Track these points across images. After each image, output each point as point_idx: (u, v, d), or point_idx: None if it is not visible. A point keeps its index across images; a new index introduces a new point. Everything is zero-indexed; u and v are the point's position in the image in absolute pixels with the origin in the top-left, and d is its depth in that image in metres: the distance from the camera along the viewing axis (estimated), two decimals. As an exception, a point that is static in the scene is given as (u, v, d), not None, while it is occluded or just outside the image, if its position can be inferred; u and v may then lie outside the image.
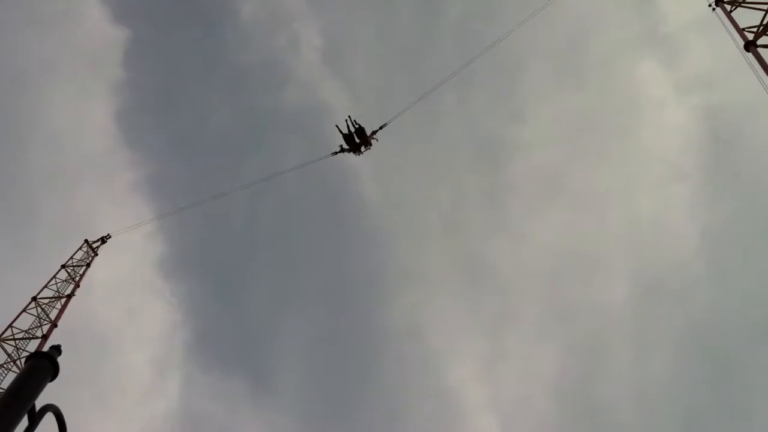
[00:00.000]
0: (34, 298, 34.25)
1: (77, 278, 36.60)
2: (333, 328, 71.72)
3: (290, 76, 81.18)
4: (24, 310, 33.50)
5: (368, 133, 35.24)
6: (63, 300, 34.86)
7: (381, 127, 35.61)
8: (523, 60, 77.06)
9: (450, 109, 74.49)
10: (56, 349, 3.28)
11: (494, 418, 66.64)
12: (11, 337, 31.92)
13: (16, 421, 2.88)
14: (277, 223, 73.94)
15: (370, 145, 35.50)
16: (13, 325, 32.52)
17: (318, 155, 38.78)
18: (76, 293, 35.74)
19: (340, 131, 34.76)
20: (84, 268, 37.54)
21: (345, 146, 35.22)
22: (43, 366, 3.13)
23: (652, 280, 67.25)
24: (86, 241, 39.60)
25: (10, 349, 31.35)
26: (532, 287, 71.79)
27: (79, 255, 38.30)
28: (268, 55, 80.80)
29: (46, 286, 35.19)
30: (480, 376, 69.66)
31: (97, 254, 39.25)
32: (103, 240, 40.46)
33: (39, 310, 33.84)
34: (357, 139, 34.89)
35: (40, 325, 32.99)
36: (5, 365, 30.40)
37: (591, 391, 65.38)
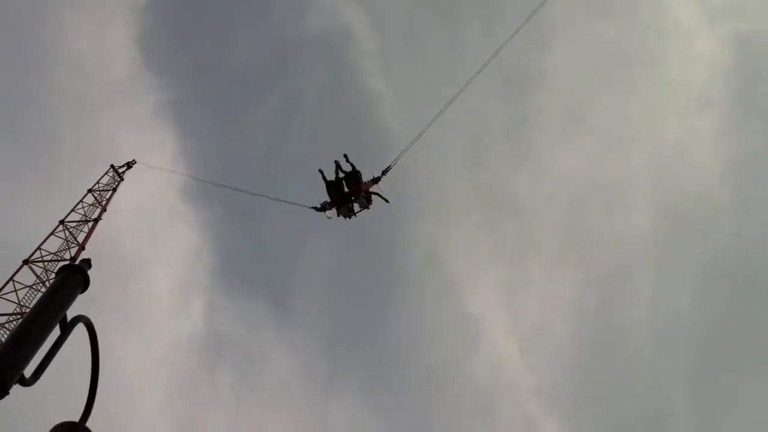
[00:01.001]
0: (61, 222, 34.70)
1: (104, 202, 36.98)
2: (353, 252, 72.22)
3: (313, 1, 79.88)
4: (52, 233, 33.98)
5: (364, 180, 25.06)
6: (90, 224, 35.31)
7: (385, 171, 25.91)
8: (552, -13, 74.87)
9: (474, 36, 73.12)
10: (87, 263, 3.33)
11: (514, 344, 67.40)
12: (40, 259, 32.47)
13: (48, 330, 2.94)
14: (297, 155, 73.82)
15: (369, 201, 25.22)
16: (42, 247, 33.05)
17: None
18: (102, 217, 36.20)
19: (324, 178, 24.91)
20: (110, 192, 37.90)
21: (329, 201, 25.02)
22: (74, 278, 3.17)
23: (675, 211, 66.90)
24: (112, 166, 39.86)
25: (39, 271, 31.95)
26: (554, 217, 71.79)
27: (105, 180, 38.64)
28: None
29: (73, 210, 35.63)
30: (500, 304, 70.32)
31: (122, 179, 39.56)
32: (129, 165, 40.71)
33: (66, 233, 34.33)
34: (347, 189, 24.83)
35: (68, 248, 33.51)
36: (34, 286, 31.01)
37: (610, 319, 65.82)
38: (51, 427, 2.93)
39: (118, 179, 39.36)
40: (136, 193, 42.33)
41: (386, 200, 25.66)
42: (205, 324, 62.08)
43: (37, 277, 31.49)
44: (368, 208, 25.21)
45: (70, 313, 3.17)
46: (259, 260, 72.29)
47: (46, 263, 32.32)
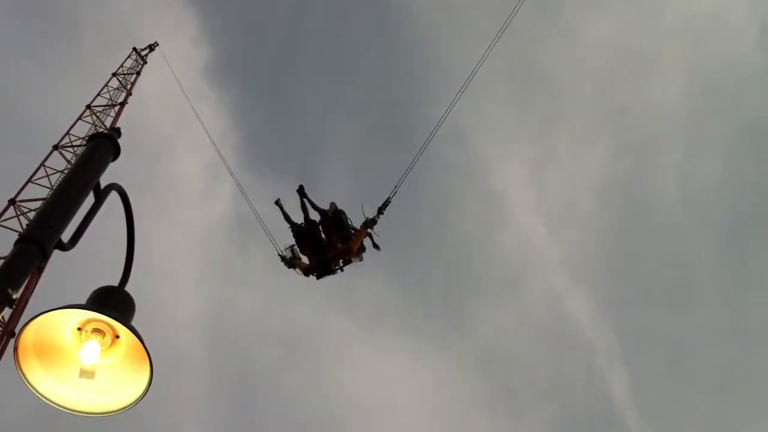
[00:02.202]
0: (88, 106, 34.74)
1: (128, 86, 36.88)
2: (378, 131, 71.68)
3: None
4: (80, 118, 34.09)
5: (358, 225, 18.28)
6: (116, 108, 35.35)
7: (383, 208, 18.86)
8: None
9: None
10: (116, 131, 3.31)
11: (540, 218, 67.68)
12: (69, 144, 32.71)
13: (83, 196, 2.96)
14: (321, 31, 72.47)
15: (362, 251, 18.22)
16: (70, 132, 33.25)
17: None
18: (128, 101, 36.18)
19: (286, 217, 18.29)
20: (134, 76, 37.73)
21: (299, 255, 18.15)
22: (105, 144, 3.17)
23: (708, 78, 65.13)
24: (134, 49, 39.49)
25: (69, 156, 32.25)
26: (582, 87, 70.16)
27: (129, 63, 38.39)
28: None
29: (99, 95, 35.61)
30: (526, 178, 70.06)
31: (146, 62, 39.27)
32: (151, 48, 40.28)
33: (94, 117, 34.44)
34: (323, 236, 17.82)
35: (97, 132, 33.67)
36: (65, 171, 31.40)
37: (639, 192, 65.46)
38: (91, 291, 3.00)
39: (142, 62, 39.08)
40: (160, 75, 41.92)
41: (377, 247, 18.60)
42: (233, 205, 62.80)
43: (68, 162, 31.82)
44: (361, 260, 18.31)
45: (104, 184, 3.19)
46: (286, 139, 72.19)
47: (75, 148, 32.58)
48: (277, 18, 72.32)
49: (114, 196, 3.24)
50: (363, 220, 18.25)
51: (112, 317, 2.78)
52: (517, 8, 25.11)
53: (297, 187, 17.66)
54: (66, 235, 2.85)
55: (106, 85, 36.27)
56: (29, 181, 29.76)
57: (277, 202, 18.22)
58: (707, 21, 67.36)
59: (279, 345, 59.82)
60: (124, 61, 38.32)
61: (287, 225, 18.11)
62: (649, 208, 64.76)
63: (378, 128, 71.15)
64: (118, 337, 2.95)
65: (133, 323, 2.88)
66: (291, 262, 18.02)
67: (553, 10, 68.99)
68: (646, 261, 65.33)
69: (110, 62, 38.73)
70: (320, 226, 17.71)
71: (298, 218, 18.09)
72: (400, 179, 19.78)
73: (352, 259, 17.81)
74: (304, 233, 17.74)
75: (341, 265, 17.89)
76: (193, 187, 61.68)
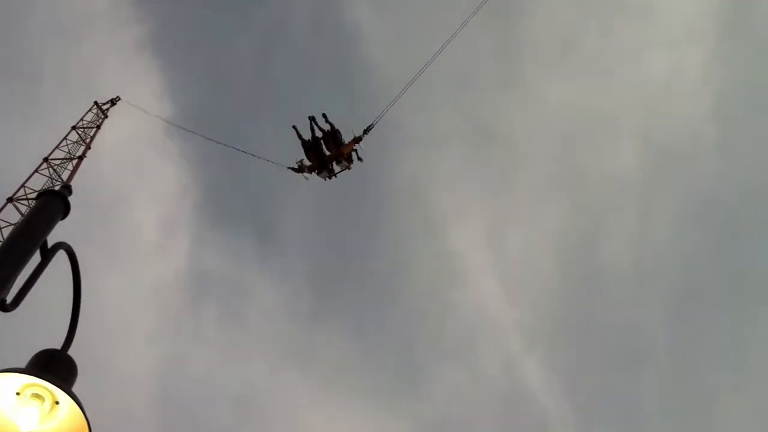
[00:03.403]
0: (45, 159, 34.37)
1: (88, 140, 36.61)
2: (337, 183, 71.87)
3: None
4: (36, 171, 33.69)
5: (347, 141, 24.29)
6: (74, 162, 35.01)
7: (367, 130, 24.72)
8: None
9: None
10: (67, 188, 3.25)
11: (497, 279, 68.03)
12: (24, 197, 32.22)
13: (28, 255, 2.88)
14: (283, 83, 73.03)
15: (350, 162, 24.45)
16: (26, 185, 32.78)
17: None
18: (87, 155, 35.86)
19: (300, 136, 24.09)
20: (95, 130, 37.49)
21: (307, 162, 24.41)
22: (54, 203, 3.10)
23: (662, 145, 66.72)
24: (96, 103, 39.34)
25: (23, 209, 31.73)
26: (539, 148, 71.22)
27: (90, 117, 38.18)
28: None
29: (57, 147, 35.26)
30: (484, 240, 70.53)
31: (107, 116, 39.11)
32: (113, 102, 40.19)
33: (51, 171, 34.05)
34: (326, 151, 24.15)
35: (53, 186, 33.21)
36: (18, 224, 30.83)
37: (594, 255, 66.28)
38: (33, 354, 2.90)
39: (102, 116, 38.91)
40: (121, 129, 41.76)
41: (360, 158, 24.52)
42: (189, 259, 62.08)
43: (22, 215, 31.29)
44: (349, 169, 24.61)
45: (51, 242, 3.11)
46: (243, 195, 72.21)
47: (30, 201, 32.09)
48: (240, 72, 72.85)
49: (62, 254, 3.16)
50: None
51: (52, 382, 2.68)
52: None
53: (309, 116, 23.68)
54: (10, 295, 2.77)
55: (65, 138, 35.97)
56: (-20, 233, 29.19)
57: (294, 127, 23.99)
58: (662, 88, 69.38)
59: (231, 405, 58.70)
60: (85, 115, 38.13)
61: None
62: (603, 271, 65.57)
63: (336, 181, 71.29)
64: (58, 402, 2.84)
65: (76, 386, 2.79)
66: (301, 169, 24.30)
67: (512, 71, 70.64)
68: (600, 325, 65.75)
69: (71, 111, 38.50)
70: (322, 141, 23.91)
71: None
72: (386, 108, 25.53)
73: (343, 162, 24.11)
74: (310, 145, 23.92)
75: (335, 171, 24.41)
76: (147, 241, 61.00)
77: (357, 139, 24.23)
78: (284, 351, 61.11)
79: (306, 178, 24.59)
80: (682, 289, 64.48)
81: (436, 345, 64.45)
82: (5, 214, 30.91)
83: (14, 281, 2.78)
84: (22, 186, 32.54)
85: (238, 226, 67.57)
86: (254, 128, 69.66)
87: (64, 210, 3.14)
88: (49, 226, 3.02)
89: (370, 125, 24.60)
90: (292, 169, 24.53)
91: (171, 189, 64.19)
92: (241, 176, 68.28)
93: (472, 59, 68.59)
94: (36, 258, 2.97)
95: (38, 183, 33.02)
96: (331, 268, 68.01)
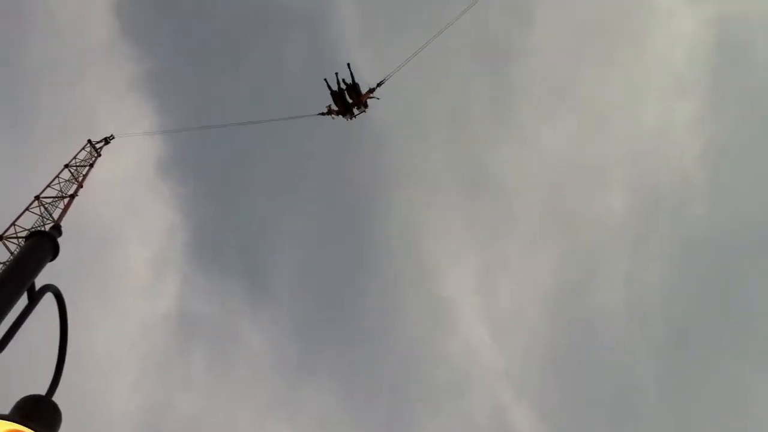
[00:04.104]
0: (37, 197, 34.29)
1: (80, 178, 36.57)
2: (329, 230, 72.15)
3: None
4: (27, 209, 33.59)
5: (364, 91, 30.32)
6: (66, 200, 34.93)
7: (379, 84, 30.46)
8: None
9: (459, 7, 72.85)
10: (56, 229, 3.20)
11: (487, 326, 67.80)
12: (14, 235, 32.08)
13: (15, 298, 2.81)
14: (276, 124, 73.38)
15: (366, 107, 30.52)
16: (16, 223, 32.66)
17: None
18: (78, 193, 35.80)
19: (329, 87, 29.97)
20: (87, 168, 37.48)
21: (334, 107, 30.52)
22: (43, 244, 3.05)
23: (653, 192, 67.35)
24: (89, 141, 39.38)
25: (12, 247, 31.57)
26: (532, 196, 71.84)
27: (83, 155, 38.18)
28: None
29: (49, 186, 35.21)
30: (475, 285, 70.52)
31: (100, 155, 39.12)
32: (107, 141, 40.22)
33: (42, 209, 33.95)
34: (349, 99, 30.09)
35: (43, 225, 33.14)
36: (8, 263, 30.63)
37: (584, 302, 66.33)
38: (17, 399, 2.83)
39: (96, 155, 38.92)
40: (113, 167, 41.80)
41: (376, 98, 30.68)
42: (178, 301, 61.77)
43: (11, 253, 31.11)
44: (365, 112, 30.81)
45: (40, 283, 3.06)
46: (234, 238, 72.05)
47: (20, 239, 31.93)
48: (232, 114, 73.29)
49: (49, 296, 3.10)
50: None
51: (35, 430, 2.60)
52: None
53: (335, 72, 29.52)
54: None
55: (57, 176, 35.94)
56: (-31, 271, 28.92)
57: (325, 79, 29.76)
58: (652, 137, 70.06)
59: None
60: (78, 153, 38.14)
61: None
62: (593, 318, 65.44)
63: (327, 228, 71.45)
64: (41, 450, 2.75)
65: (61, 432, 2.71)
66: (329, 112, 30.62)
67: (504, 118, 71.29)
68: (590, 372, 65.55)
69: (62, 147, 38.57)
70: (346, 91, 29.90)
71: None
72: (403, 62, 31.47)
73: (362, 108, 30.39)
74: (337, 94, 29.93)
75: (355, 114, 30.54)
76: (136, 281, 60.70)
77: (372, 90, 30.37)
78: (271, 398, 60.56)
79: (333, 118, 30.82)
80: (673, 334, 64.42)
81: (426, 392, 64.04)
82: (-5, 251, 30.72)
83: (0, 324, 2.72)
84: (13, 224, 32.42)
85: (227, 267, 67.36)
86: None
87: (53, 251, 3.08)
88: (37, 268, 2.96)
89: (383, 80, 30.53)
90: (322, 113, 30.97)
91: (161, 228, 64.19)
92: (233, 217, 68.36)
93: (466, 106, 69.41)
94: (23, 300, 2.91)
95: (29, 221, 32.92)
96: (320, 315, 67.79)
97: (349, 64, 29.70)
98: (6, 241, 31.59)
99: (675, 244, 66.19)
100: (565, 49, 73.82)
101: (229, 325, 64.60)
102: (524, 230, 71.56)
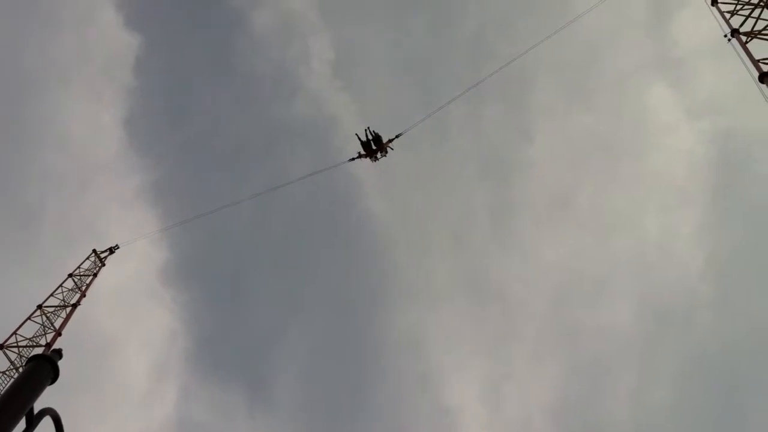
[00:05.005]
0: (39, 306, 34.23)
1: (83, 288, 36.59)
2: (333, 340, 71.58)
3: (301, 87, 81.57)
4: (29, 318, 33.49)
5: (384, 141, 37.33)
6: (68, 309, 34.85)
7: (397, 136, 37.67)
8: (533, 77, 77.40)
9: (459, 122, 74.72)
10: (57, 353, 3.26)
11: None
12: (15, 344, 31.88)
13: (13, 423, 2.85)
14: (282, 233, 74.13)
15: (386, 152, 37.67)
16: (18, 332, 32.49)
17: (326, 166, 40.78)
18: (81, 303, 35.73)
19: (359, 138, 37.12)
20: (91, 277, 37.55)
21: (363, 152, 37.32)
22: (43, 368, 3.10)
23: (658, 304, 67.01)
24: (94, 251, 39.61)
25: (13, 356, 31.31)
26: (536, 307, 71.59)
27: (87, 264, 38.34)
28: (279, 65, 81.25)
29: (52, 295, 35.20)
30: (479, 396, 69.31)
31: (104, 264, 39.28)
32: (111, 250, 40.46)
33: (44, 318, 33.84)
34: (374, 146, 37.15)
35: (44, 333, 32.97)
36: (7, 372, 30.35)
37: (591, 414, 64.94)
38: None
39: (100, 264, 39.08)
40: (116, 275, 41.92)
41: (391, 147, 37.51)
42: (176, 410, 60.61)
43: (11, 363, 30.84)
44: (386, 155, 37.52)
45: (39, 404, 3.09)
46: (236, 346, 71.36)
47: (21, 348, 31.72)
48: (237, 223, 73.85)
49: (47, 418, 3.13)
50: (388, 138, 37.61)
51: None
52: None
53: (365, 128, 37.17)
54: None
55: (61, 285, 35.99)
56: (-33, 383, 28.65)
57: (357, 134, 37.22)
58: (655, 250, 70.26)
59: None
60: (82, 263, 38.31)
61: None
62: (600, 430, 63.92)
63: (331, 338, 70.83)
64: None
65: None
66: (359, 157, 37.17)
67: (508, 231, 71.77)
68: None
69: (68, 257, 38.76)
70: (372, 141, 36.81)
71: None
72: (417, 122, 39.64)
73: (383, 153, 37.37)
74: (366, 143, 36.70)
75: (379, 156, 37.44)
76: (136, 388, 59.76)
77: (390, 141, 37.39)
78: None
79: (361, 160, 37.54)
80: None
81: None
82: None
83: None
84: (14, 333, 32.26)
85: (227, 377, 66.43)
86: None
87: (53, 375, 3.14)
88: (36, 393, 3.01)
89: (401, 132, 37.76)
90: (352, 159, 37.99)
91: (162, 336, 63.68)
92: (235, 324, 67.87)
93: (470, 217, 70.03)
94: (22, 424, 2.95)
95: (30, 330, 32.78)
96: (322, 427, 66.43)
97: (368, 127, 37.17)
98: (6, 350, 31.35)
99: (681, 358, 65.42)
100: (566, 163, 75.15)
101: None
102: (529, 340, 70.98)
